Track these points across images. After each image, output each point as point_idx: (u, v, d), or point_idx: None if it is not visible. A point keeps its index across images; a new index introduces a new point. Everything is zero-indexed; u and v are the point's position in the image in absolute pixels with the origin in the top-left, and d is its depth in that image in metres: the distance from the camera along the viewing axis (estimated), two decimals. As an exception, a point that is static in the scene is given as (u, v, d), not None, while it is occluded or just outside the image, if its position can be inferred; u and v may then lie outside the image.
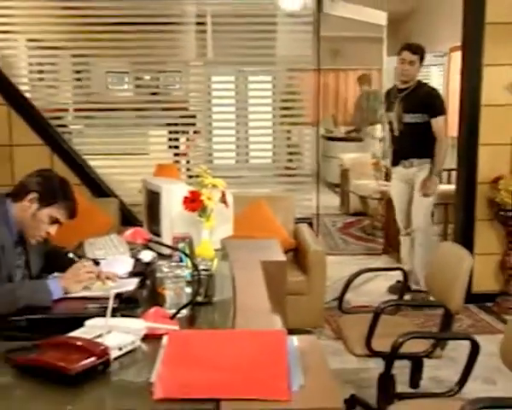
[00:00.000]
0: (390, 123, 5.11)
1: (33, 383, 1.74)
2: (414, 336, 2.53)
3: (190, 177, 5.10)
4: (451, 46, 7.80)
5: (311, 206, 5.18)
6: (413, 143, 4.91)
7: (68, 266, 2.62)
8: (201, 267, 2.48)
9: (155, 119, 5.31)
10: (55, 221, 2.55)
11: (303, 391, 1.67)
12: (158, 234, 3.21)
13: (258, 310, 2.38)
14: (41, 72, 5.20)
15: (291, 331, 3.91)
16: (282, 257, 3.19)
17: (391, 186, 5.47)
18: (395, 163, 5.17)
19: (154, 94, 5.32)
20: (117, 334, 1.93)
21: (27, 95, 4.89)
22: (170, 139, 5.53)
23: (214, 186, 3.08)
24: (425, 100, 4.82)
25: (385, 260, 6.42)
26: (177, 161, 5.45)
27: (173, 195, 3.12)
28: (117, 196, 4.91)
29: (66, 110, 5.30)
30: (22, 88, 4.88)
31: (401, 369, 3.01)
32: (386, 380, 2.76)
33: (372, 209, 7.67)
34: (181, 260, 2.55)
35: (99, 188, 4.95)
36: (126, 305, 2.31)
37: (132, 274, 2.68)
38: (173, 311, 2.16)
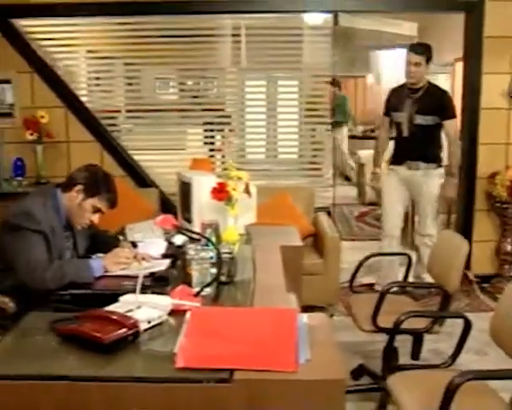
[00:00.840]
0: (398, 123, 4.39)
1: (73, 349, 1.74)
2: (413, 315, 2.45)
3: (225, 170, 5.06)
4: (456, 57, 7.63)
5: (330, 196, 5.13)
6: (423, 146, 4.30)
7: (111, 247, 2.61)
8: (225, 250, 2.45)
9: (195, 119, 5.29)
10: (97, 210, 2.55)
11: (309, 364, 1.62)
12: (189, 220, 3.18)
13: (275, 289, 2.33)
14: (98, 78, 5.21)
15: (308, 308, 3.92)
16: (299, 242, 3.13)
17: (385, 186, 4.55)
18: (397, 162, 4.44)
19: (194, 97, 5.31)
20: (146, 309, 1.90)
21: (82, 98, 4.89)
22: (205, 137, 5.51)
23: (239, 178, 3.03)
24: (439, 102, 4.23)
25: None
26: (212, 156, 5.42)
27: (203, 186, 3.08)
28: (157, 187, 4.89)
29: (118, 111, 5.28)
30: (78, 92, 4.88)
31: (404, 342, 2.94)
32: (389, 353, 2.69)
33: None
34: (207, 244, 2.51)
35: (142, 179, 4.94)
36: (157, 283, 2.28)
37: (165, 256, 2.66)
38: (198, 289, 2.13)
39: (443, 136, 4.38)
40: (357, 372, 3.20)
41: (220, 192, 2.97)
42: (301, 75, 5.21)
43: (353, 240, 6.57)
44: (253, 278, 2.46)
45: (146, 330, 1.85)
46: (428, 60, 4.17)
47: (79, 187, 2.48)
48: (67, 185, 2.51)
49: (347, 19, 4.92)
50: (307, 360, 1.63)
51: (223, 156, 5.63)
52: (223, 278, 2.35)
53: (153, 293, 2.12)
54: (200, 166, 4.52)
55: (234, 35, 5.00)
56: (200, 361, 1.60)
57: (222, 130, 5.53)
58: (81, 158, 4.78)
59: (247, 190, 3.06)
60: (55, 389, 1.57)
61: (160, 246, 2.75)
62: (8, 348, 1.77)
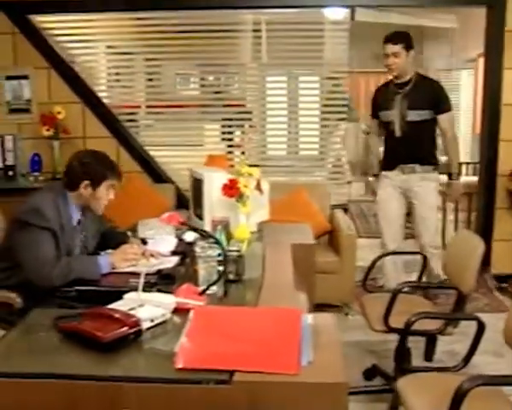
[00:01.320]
0: (388, 123, 3.93)
1: (75, 347, 1.72)
2: (424, 316, 2.39)
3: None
4: (478, 53, 7.49)
5: (349, 193, 5.08)
6: (418, 146, 3.85)
7: (120, 243, 2.60)
8: (233, 248, 2.42)
9: (213, 114, 5.27)
10: (110, 188, 2.56)
11: (311, 366, 1.58)
12: (201, 217, 3.16)
13: (283, 288, 2.29)
14: (118, 74, 5.21)
15: (323, 306, 3.90)
16: (311, 240, 3.09)
17: (378, 195, 4.11)
18: (389, 167, 3.99)
19: (217, 93, 5.29)
20: (149, 307, 1.88)
21: (99, 94, 4.89)
22: (223, 133, 5.48)
23: (250, 175, 3.00)
24: (431, 94, 3.80)
25: (412, 243, 6.23)
26: (230, 152, 5.39)
27: (214, 182, 3.06)
28: (173, 183, 4.88)
29: (138, 107, 5.28)
30: (95, 88, 4.88)
31: (418, 343, 2.89)
32: (400, 354, 2.63)
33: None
34: (217, 242, 2.48)
35: (158, 175, 4.93)
36: (163, 280, 2.27)
37: (174, 253, 2.64)
38: (203, 287, 2.10)
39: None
40: (370, 373, 3.15)
41: (231, 189, 2.95)
42: (322, 71, 5.16)
43: (371, 237, 6.50)
44: (262, 276, 2.42)
45: (149, 328, 1.83)
46: (408, 48, 3.76)
47: (85, 183, 2.47)
48: (72, 185, 2.50)
49: (375, 13, 4.82)
50: (309, 362, 1.59)
51: (242, 153, 5.60)
52: (230, 277, 2.33)
53: (158, 291, 2.11)
54: (216, 162, 4.49)
55: (254, 30, 4.96)
56: (200, 362, 1.57)
57: (241, 126, 5.49)
58: (98, 154, 4.82)
59: (258, 187, 3.04)
60: (54, 388, 1.55)
61: (169, 243, 2.73)
62: (10, 344, 1.77)
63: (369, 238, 6.45)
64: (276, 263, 2.64)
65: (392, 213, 4.02)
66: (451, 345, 3.31)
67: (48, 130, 4.52)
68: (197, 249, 2.23)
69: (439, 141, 4.02)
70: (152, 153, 5.00)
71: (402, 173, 3.92)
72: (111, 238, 2.73)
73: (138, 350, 1.73)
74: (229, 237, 2.81)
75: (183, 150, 5.18)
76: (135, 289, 2.05)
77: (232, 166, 4.96)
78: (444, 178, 4.01)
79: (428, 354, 2.76)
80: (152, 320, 1.84)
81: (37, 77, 4.70)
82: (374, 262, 3.16)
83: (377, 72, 11.19)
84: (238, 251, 2.37)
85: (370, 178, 4.31)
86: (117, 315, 1.76)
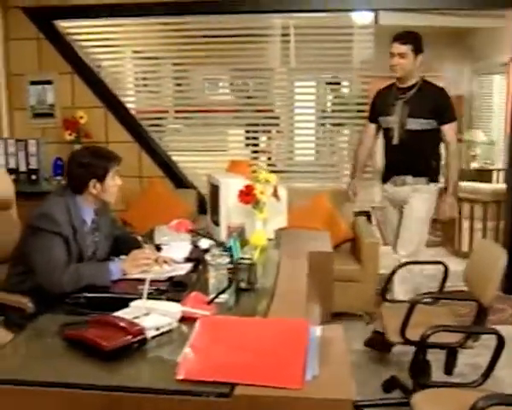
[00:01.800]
0: (387, 130, 3.68)
1: (78, 354, 1.70)
2: (441, 329, 2.32)
3: (273, 172, 5.04)
4: (511, 56, 7.31)
5: (372, 199, 4.99)
6: (414, 156, 3.57)
7: (133, 249, 2.59)
8: (246, 256, 2.39)
9: (240, 119, 5.24)
10: (115, 175, 2.57)
11: (316, 381, 1.54)
12: (217, 223, 3.13)
13: (295, 298, 2.25)
14: (145, 78, 5.23)
15: (343, 315, 3.83)
16: (329, 248, 3.04)
17: (383, 212, 3.97)
18: (385, 179, 3.76)
19: (248, 98, 5.28)
20: (155, 315, 1.86)
21: (123, 99, 4.92)
22: (247, 138, 5.45)
23: (267, 181, 2.97)
24: (435, 102, 3.51)
25: (440, 251, 6.11)
26: (255, 158, 5.37)
27: (231, 188, 3.02)
28: (195, 188, 4.88)
29: (164, 112, 5.29)
30: (119, 93, 4.91)
31: (439, 355, 2.80)
32: (417, 367, 2.56)
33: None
34: (230, 249, 2.45)
35: (180, 180, 4.93)
36: (175, 288, 2.25)
37: (188, 260, 2.61)
38: (212, 296, 2.07)
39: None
40: (389, 385, 3.08)
41: (247, 195, 2.92)
42: (350, 75, 5.10)
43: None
44: (275, 285, 2.38)
45: (154, 337, 1.81)
46: (417, 51, 3.49)
47: (92, 182, 2.47)
48: (80, 189, 2.50)
49: (400, 16, 4.72)
50: (314, 376, 1.55)
51: (269, 158, 5.56)
52: (242, 285, 2.30)
53: (167, 298, 2.08)
54: (238, 168, 4.47)
55: (283, 35, 4.93)
56: (202, 374, 1.54)
57: (268, 131, 5.45)
58: (120, 158, 4.84)
59: (275, 194, 3.00)
60: (54, 396, 1.54)
61: (183, 249, 2.71)
62: (14, 350, 1.77)
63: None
64: (291, 272, 2.60)
65: (387, 226, 3.91)
66: (474, 358, 3.21)
67: (70, 134, 4.56)
68: (207, 257, 2.20)
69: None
70: (174, 158, 5.01)
71: (394, 185, 3.69)
72: (124, 243, 2.72)
73: (142, 359, 1.71)
74: (245, 244, 2.79)
75: (207, 155, 5.17)
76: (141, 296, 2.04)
77: (256, 171, 4.92)
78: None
79: (448, 367, 2.68)
80: (157, 329, 1.82)
81: (60, 82, 4.77)
82: (393, 271, 3.10)
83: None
84: (250, 259, 2.34)
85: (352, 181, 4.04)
86: (121, 324, 1.74)
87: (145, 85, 5.26)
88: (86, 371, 1.62)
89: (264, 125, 5.27)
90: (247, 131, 5.37)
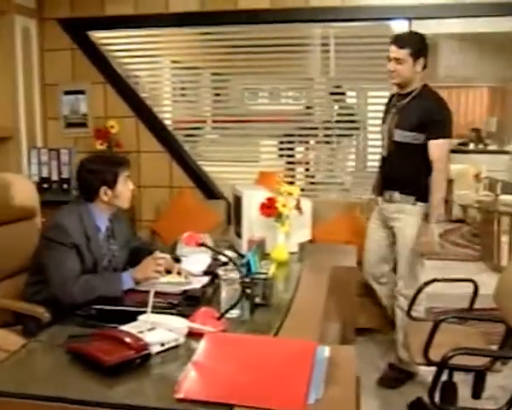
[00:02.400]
0: (381, 139, 3.46)
1: (81, 369, 1.68)
2: (464, 352, 2.21)
3: (312, 183, 5.09)
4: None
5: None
6: (401, 170, 3.26)
7: None
8: (262, 271, 2.35)
9: (277, 130, 5.16)
10: (126, 180, 2.56)
11: (318, 405, 1.48)
12: (240, 235, 3.10)
13: (311, 315, 2.18)
14: (183, 89, 5.26)
15: (370, 331, 3.74)
16: (353, 263, 2.96)
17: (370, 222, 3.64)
18: (378, 191, 3.52)
19: (307, 109, 5.16)
20: (161, 330, 1.83)
21: (155, 109, 4.94)
22: (281, 149, 5.39)
23: (289, 194, 2.92)
24: (424, 115, 3.15)
25: (479, 266, 5.94)
26: (291, 169, 5.31)
27: (253, 200, 2.99)
28: (225, 199, 4.85)
29: (203, 122, 5.29)
30: (151, 102, 4.93)
31: (467, 376, 2.69)
32: (443, 389, 2.46)
33: (471, 218, 7.15)
34: (248, 263, 2.41)
35: (210, 191, 4.92)
36: (187, 302, 2.22)
37: (206, 273, 2.58)
38: (223, 311, 2.03)
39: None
40: (415, 406, 2.98)
41: (269, 208, 2.88)
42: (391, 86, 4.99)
43: (437, 259, 6.24)
44: (290, 301, 2.33)
45: (159, 352, 1.78)
46: (418, 55, 3.16)
47: (103, 189, 2.47)
48: (92, 197, 2.50)
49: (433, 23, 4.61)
50: (317, 399, 1.49)
51: (306, 170, 5.50)
52: (257, 300, 2.25)
53: (178, 313, 2.05)
54: (267, 179, 4.43)
55: (323, 44, 4.88)
56: (201, 393, 1.50)
57: (306, 142, 5.38)
58: (150, 168, 4.87)
59: (297, 207, 2.95)
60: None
61: (202, 262, 2.68)
62: (17, 362, 1.76)
63: (431, 260, 6.20)
64: (310, 287, 2.54)
65: (371, 244, 3.52)
66: (506, 379, 3.09)
67: (101, 144, 4.60)
68: (220, 271, 2.17)
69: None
70: (206, 168, 4.99)
71: (384, 201, 3.41)
72: (141, 254, 2.71)
73: (144, 376, 1.68)
74: (264, 257, 2.75)
75: (240, 166, 5.12)
76: (155, 308, 2.02)
77: (292, 183, 4.88)
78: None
79: (476, 390, 2.56)
80: (162, 344, 1.79)
81: (93, 92, 4.82)
82: (420, 289, 2.99)
83: (447, 86, 10.90)
84: (265, 273, 2.29)
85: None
86: (125, 338, 1.72)
87: (183, 95, 5.27)
88: (85, 386, 1.60)
89: (300, 135, 5.19)
90: (281, 142, 5.32)
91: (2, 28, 4.37)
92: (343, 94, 4.87)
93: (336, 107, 5.12)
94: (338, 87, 4.99)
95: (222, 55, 4.85)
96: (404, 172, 3.27)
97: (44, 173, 4.65)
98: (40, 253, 2.45)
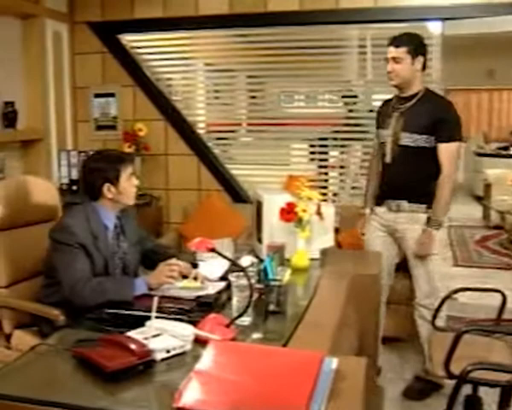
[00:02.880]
0: (381, 146, 3.31)
1: (85, 373, 1.67)
2: (483, 367, 2.13)
3: (343, 188, 5.06)
4: None
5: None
6: (410, 177, 3.15)
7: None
8: (277, 277, 2.31)
9: (311, 133, 5.12)
10: (130, 177, 2.55)
11: (319, 418, 1.43)
12: (260, 240, 3.06)
13: (323, 325, 2.12)
14: (217, 91, 5.25)
15: (396, 340, 3.65)
16: (375, 271, 2.88)
17: (366, 234, 3.48)
18: (379, 201, 3.37)
19: (349, 112, 5.08)
20: (166, 337, 1.81)
21: (184, 111, 4.95)
22: (311, 153, 5.33)
23: (310, 199, 2.87)
24: (434, 116, 3.06)
25: (502, 274, 5.76)
26: (325, 173, 5.25)
27: (274, 205, 2.94)
28: (252, 202, 4.81)
29: (239, 124, 5.28)
30: (179, 105, 4.94)
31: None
32: (452, 405, 2.36)
33: (509, 224, 6.94)
34: (265, 270, 2.37)
35: (238, 194, 4.90)
36: (200, 308, 2.19)
37: (223, 278, 2.56)
38: (234, 318, 2.00)
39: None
40: (439, 420, 2.89)
41: (288, 213, 2.84)
42: (431, 88, 4.88)
43: (471, 266, 6.09)
44: (304, 310, 2.28)
45: (164, 359, 1.76)
46: (416, 54, 3.09)
47: (106, 187, 2.47)
48: (96, 195, 2.50)
49: (466, 23, 4.48)
50: (318, 413, 1.44)
51: (340, 174, 5.43)
52: (271, 308, 2.22)
53: (188, 319, 2.03)
54: (295, 183, 4.38)
55: (360, 46, 4.81)
56: (199, 404, 1.47)
57: (342, 145, 5.31)
58: (178, 171, 4.89)
59: (318, 212, 2.89)
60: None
61: (220, 268, 2.65)
62: (22, 365, 1.76)
63: (467, 267, 6.06)
64: (327, 295, 2.49)
65: (383, 260, 3.25)
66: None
67: (129, 147, 4.64)
68: (231, 278, 2.14)
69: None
70: (235, 171, 4.98)
71: (388, 211, 3.27)
72: (155, 257, 2.70)
73: (147, 382, 1.65)
74: (282, 263, 2.70)
75: (270, 170, 5.09)
76: (167, 313, 2.01)
77: (325, 187, 4.84)
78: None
79: (502, 406, 2.46)
80: (168, 351, 1.77)
81: (122, 94, 4.87)
82: (446, 297, 2.90)
83: (479, 89, 10.69)
84: (279, 280, 2.25)
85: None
86: (128, 344, 1.70)
87: (216, 98, 5.26)
88: (85, 392, 1.59)
89: (335, 139, 5.11)
90: (312, 146, 5.26)
91: (34, 32, 4.45)
92: (355, 97, 4.76)
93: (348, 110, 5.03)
94: (350, 90, 4.91)
95: (258, 58, 4.82)
96: (413, 179, 3.17)
97: (74, 175, 4.72)
98: (50, 255, 2.47)
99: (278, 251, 2.66)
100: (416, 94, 3.16)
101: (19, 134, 4.35)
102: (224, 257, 2.11)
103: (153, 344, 1.74)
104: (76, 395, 1.57)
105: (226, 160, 5.04)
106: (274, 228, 2.99)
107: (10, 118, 4.18)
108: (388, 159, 3.23)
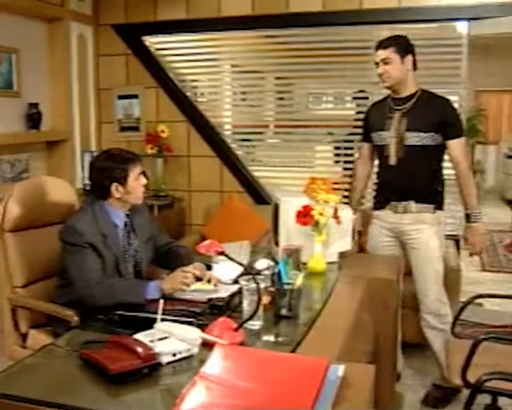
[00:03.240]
0: (381, 148, 3.24)
1: (90, 375, 1.67)
2: (498, 377, 2.07)
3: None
4: None
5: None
6: (416, 177, 3.12)
7: (184, 262, 2.56)
8: (290, 281, 2.29)
9: (338, 136, 5.06)
10: (138, 176, 2.55)
11: (321, 427, 1.41)
12: (277, 243, 3.05)
13: (336, 330, 2.10)
14: (244, 93, 5.23)
15: (418, 346, 3.58)
16: (391, 275, 2.83)
17: (369, 240, 3.42)
18: (380, 206, 3.30)
19: (359, 113, 4.96)
20: (173, 340, 1.80)
21: (207, 113, 4.94)
22: (337, 155, 5.28)
23: (326, 202, 2.84)
24: (440, 113, 3.06)
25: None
26: (351, 176, 5.18)
27: (291, 208, 2.92)
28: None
29: (265, 126, 5.27)
30: (202, 107, 4.95)
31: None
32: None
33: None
34: (279, 274, 2.35)
35: (260, 196, 4.88)
36: (210, 311, 2.18)
37: (236, 282, 2.54)
38: (244, 322, 1.99)
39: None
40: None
41: (305, 216, 2.81)
42: (461, 90, 4.79)
43: (500, 271, 5.97)
44: (319, 313, 2.25)
45: (170, 362, 1.76)
46: (404, 53, 3.08)
47: (114, 186, 2.47)
48: (104, 194, 2.51)
49: (492, 23, 4.38)
50: (321, 421, 1.42)
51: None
52: (283, 312, 2.20)
53: (198, 322, 2.02)
54: (315, 185, 4.34)
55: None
56: (201, 409, 1.46)
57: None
58: (201, 172, 4.90)
59: (335, 216, 2.86)
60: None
61: (234, 270, 2.64)
62: (29, 366, 1.77)
63: (495, 272, 5.94)
64: (341, 300, 2.46)
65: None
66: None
67: (151, 148, 4.66)
68: (242, 281, 2.12)
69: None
70: (257, 173, 4.96)
71: (393, 213, 3.21)
72: (171, 256, 2.71)
73: (152, 386, 1.65)
74: (297, 267, 2.68)
75: (293, 172, 5.06)
76: (179, 316, 2.02)
77: (349, 190, 4.77)
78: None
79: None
80: (174, 355, 1.76)
81: (146, 96, 4.90)
82: (466, 304, 2.84)
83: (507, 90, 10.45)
84: (292, 284, 2.23)
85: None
86: (133, 346, 1.70)
87: (244, 100, 5.24)
88: (89, 394, 1.60)
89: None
90: (337, 148, 5.21)
91: (59, 35, 4.51)
92: (367, 98, 4.70)
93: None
94: (361, 91, 4.85)
95: (286, 59, 4.79)
96: (421, 179, 3.13)
97: (97, 176, 4.75)
98: (62, 256, 2.49)
99: (293, 254, 2.63)
100: (413, 94, 3.14)
101: (43, 135, 4.42)
102: (234, 260, 2.09)
103: (159, 347, 1.74)
104: (80, 396, 1.58)
105: (250, 161, 5.03)
106: (291, 231, 2.96)
107: (34, 119, 4.24)
108: (393, 160, 3.17)
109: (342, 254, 3.09)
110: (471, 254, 3.23)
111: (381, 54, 3.10)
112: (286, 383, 1.56)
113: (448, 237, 4.42)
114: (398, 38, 3.14)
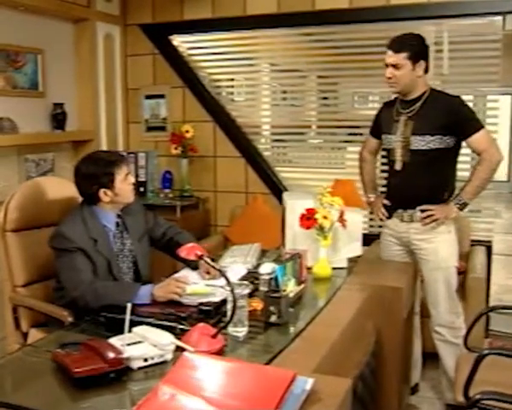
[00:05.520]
0: (389, 152, 3.13)
1: (56, 378, 1.69)
2: (494, 397, 1.96)
3: None
4: None
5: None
6: (423, 184, 2.98)
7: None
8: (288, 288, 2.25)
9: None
10: (126, 177, 2.55)
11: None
12: (285, 247, 3.01)
13: (323, 340, 2.04)
14: (285, 92, 5.18)
15: (429, 355, 3.46)
16: (399, 283, 2.74)
17: (380, 247, 3.33)
18: (388, 214, 3.18)
19: None
20: (147, 345, 1.79)
21: (234, 113, 4.92)
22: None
23: (331, 205, 2.78)
24: (449, 114, 2.89)
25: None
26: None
27: (297, 210, 2.87)
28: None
29: (308, 127, 5.19)
30: (229, 107, 4.92)
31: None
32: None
33: None
34: (276, 279, 2.31)
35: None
36: (198, 315, 2.17)
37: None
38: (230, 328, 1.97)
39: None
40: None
41: (308, 220, 2.76)
42: (492, 88, 4.62)
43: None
44: (310, 321, 2.20)
45: (142, 368, 1.75)
46: (416, 58, 2.91)
47: (102, 191, 2.49)
48: (93, 200, 2.52)
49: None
50: (275, 437, 1.38)
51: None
52: (273, 319, 2.16)
53: (179, 328, 2.01)
54: (342, 187, 4.27)
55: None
56: (155, 417, 1.45)
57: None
58: (226, 173, 4.89)
59: (341, 220, 2.79)
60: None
61: (236, 274, 2.62)
62: (3, 366, 1.80)
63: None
64: (339, 308, 2.40)
65: None
66: None
67: (176, 148, 4.68)
68: (226, 287, 2.09)
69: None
70: (282, 174, 4.91)
71: (400, 222, 3.10)
72: (171, 242, 2.75)
73: (117, 391, 1.65)
74: (296, 272, 2.63)
75: (322, 173, 4.98)
76: (169, 320, 2.03)
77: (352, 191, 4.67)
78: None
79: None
80: (145, 360, 1.76)
81: (172, 96, 4.92)
82: (480, 315, 2.73)
83: None
84: (283, 290, 2.18)
85: (371, 196, 3.31)
86: (103, 350, 1.70)
87: (284, 99, 5.19)
88: (50, 397, 1.62)
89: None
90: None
91: (85, 35, 4.58)
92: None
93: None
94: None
95: (326, 57, 4.70)
96: (426, 186, 2.99)
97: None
98: (54, 262, 2.53)
99: (292, 259, 2.58)
100: (421, 95, 2.99)
101: (68, 135, 4.49)
102: (213, 267, 2.07)
103: (129, 352, 1.73)
104: (39, 399, 1.59)
105: (281, 162, 4.99)
106: (297, 235, 2.92)
107: (59, 119, 4.32)
108: (398, 166, 3.05)
109: (353, 260, 3.02)
110: (435, 268, 3.04)
111: (392, 57, 2.93)
112: (246, 396, 1.52)
113: (478, 242, 4.29)
114: (413, 41, 2.95)
